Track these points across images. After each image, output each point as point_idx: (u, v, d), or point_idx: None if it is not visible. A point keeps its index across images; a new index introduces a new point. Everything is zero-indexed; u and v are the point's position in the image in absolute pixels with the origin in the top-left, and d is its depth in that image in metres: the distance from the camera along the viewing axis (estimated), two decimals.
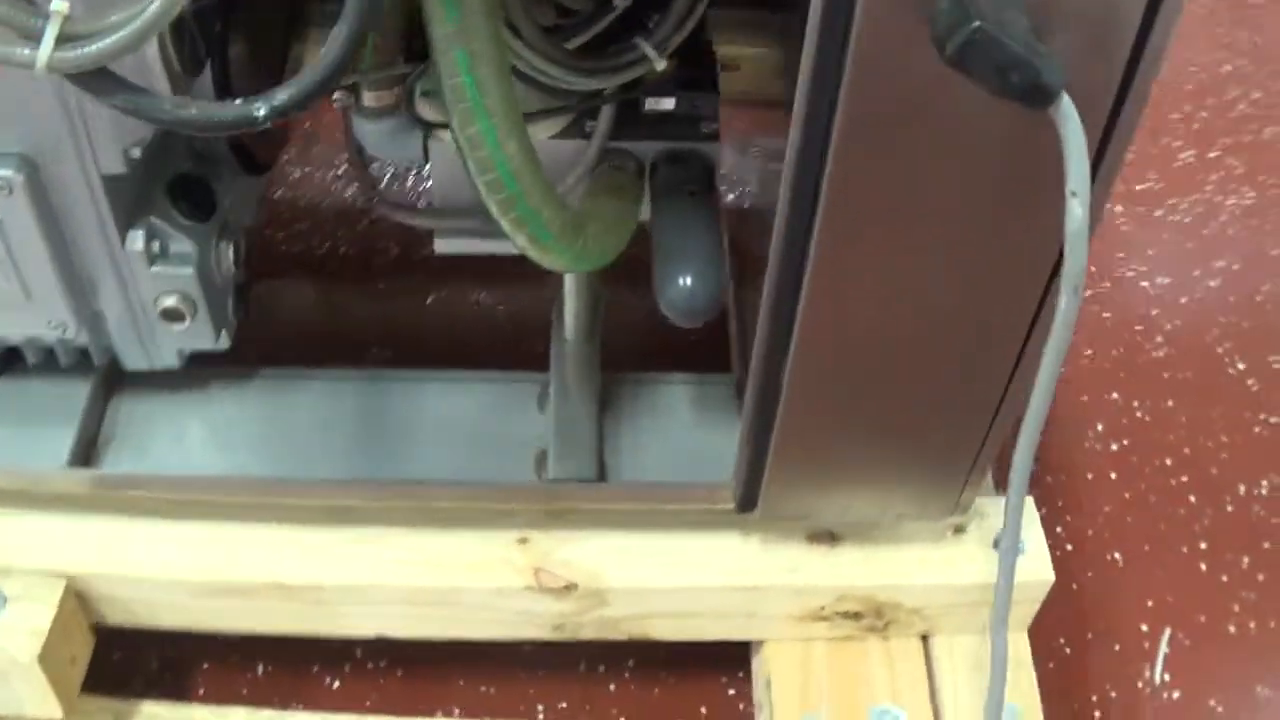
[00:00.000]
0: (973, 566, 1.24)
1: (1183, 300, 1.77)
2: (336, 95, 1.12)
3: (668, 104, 1.09)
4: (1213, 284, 1.80)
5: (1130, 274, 1.81)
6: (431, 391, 1.27)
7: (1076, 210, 0.83)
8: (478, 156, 0.91)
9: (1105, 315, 1.63)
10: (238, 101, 0.77)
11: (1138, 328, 1.72)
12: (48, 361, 1.21)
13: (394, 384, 1.28)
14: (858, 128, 0.85)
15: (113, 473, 1.20)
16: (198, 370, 1.23)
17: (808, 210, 0.91)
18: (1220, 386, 1.66)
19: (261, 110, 0.77)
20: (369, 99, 1.11)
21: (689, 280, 1.05)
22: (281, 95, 0.77)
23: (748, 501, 1.18)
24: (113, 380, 1.26)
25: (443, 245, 1.18)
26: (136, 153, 1.02)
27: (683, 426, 1.26)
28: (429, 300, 1.68)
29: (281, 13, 1.23)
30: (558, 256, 1.01)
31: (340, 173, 1.77)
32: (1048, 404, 0.94)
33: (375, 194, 1.23)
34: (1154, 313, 1.73)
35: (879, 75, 0.82)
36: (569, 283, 1.27)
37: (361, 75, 1.08)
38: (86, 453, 1.21)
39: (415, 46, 1.07)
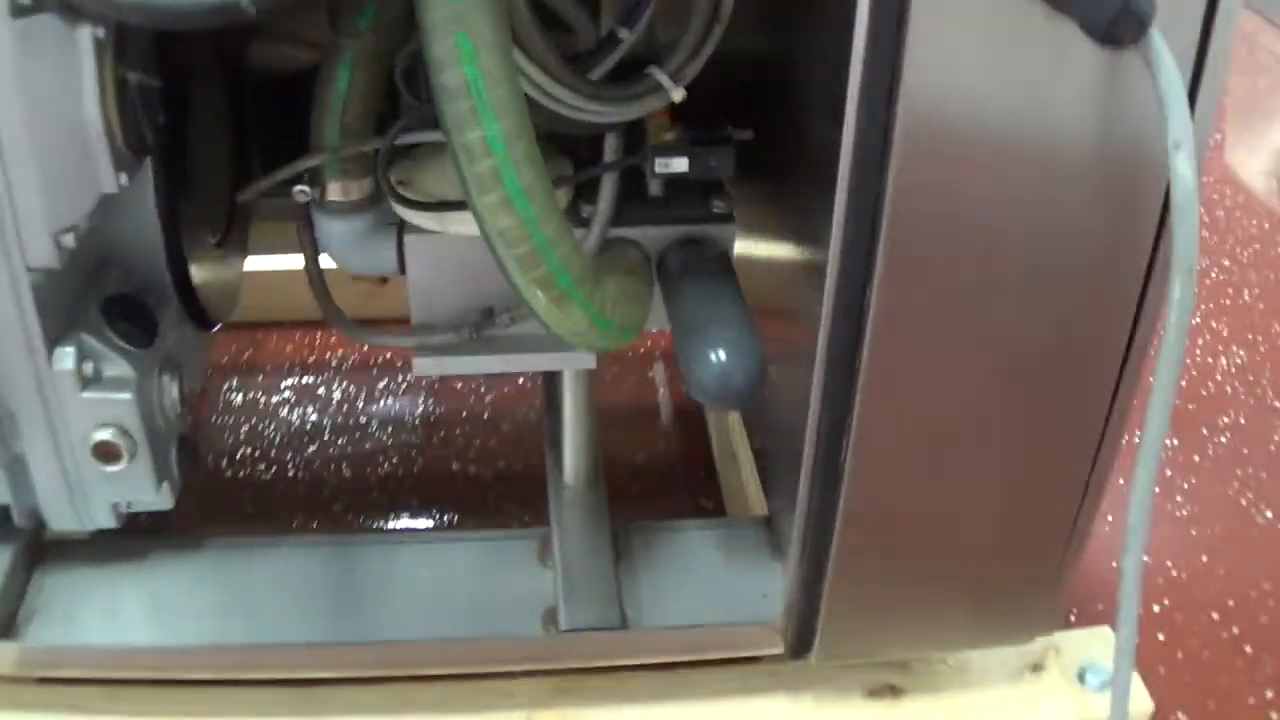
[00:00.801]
0: (1059, 705, 1.06)
1: (1196, 459, 1.72)
2: (299, 188, 0.99)
3: (679, 165, 0.96)
4: (1223, 440, 1.76)
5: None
6: (411, 554, 1.09)
7: (1184, 169, 0.71)
8: (480, 170, 0.76)
9: (1119, 481, 1.54)
10: None
11: (1155, 490, 1.60)
12: None
13: (367, 547, 1.09)
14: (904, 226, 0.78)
15: (35, 646, 0.99)
16: (136, 540, 1.04)
17: (855, 314, 0.82)
18: (1252, 537, 1.60)
19: None
20: (335, 190, 0.98)
21: (722, 355, 0.90)
22: None
23: (802, 644, 1.01)
24: (37, 548, 1.07)
25: (423, 366, 1.02)
26: (69, 241, 0.86)
27: (709, 571, 1.08)
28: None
29: (229, 134, 1.11)
30: (576, 311, 0.86)
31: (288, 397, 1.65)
32: (1162, 436, 0.80)
33: (339, 318, 1.07)
34: (1168, 474, 1.68)
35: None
36: (570, 417, 1.12)
37: (330, 153, 0.95)
38: (4, 625, 1.00)
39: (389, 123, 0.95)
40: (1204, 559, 1.55)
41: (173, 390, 0.98)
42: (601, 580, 1.05)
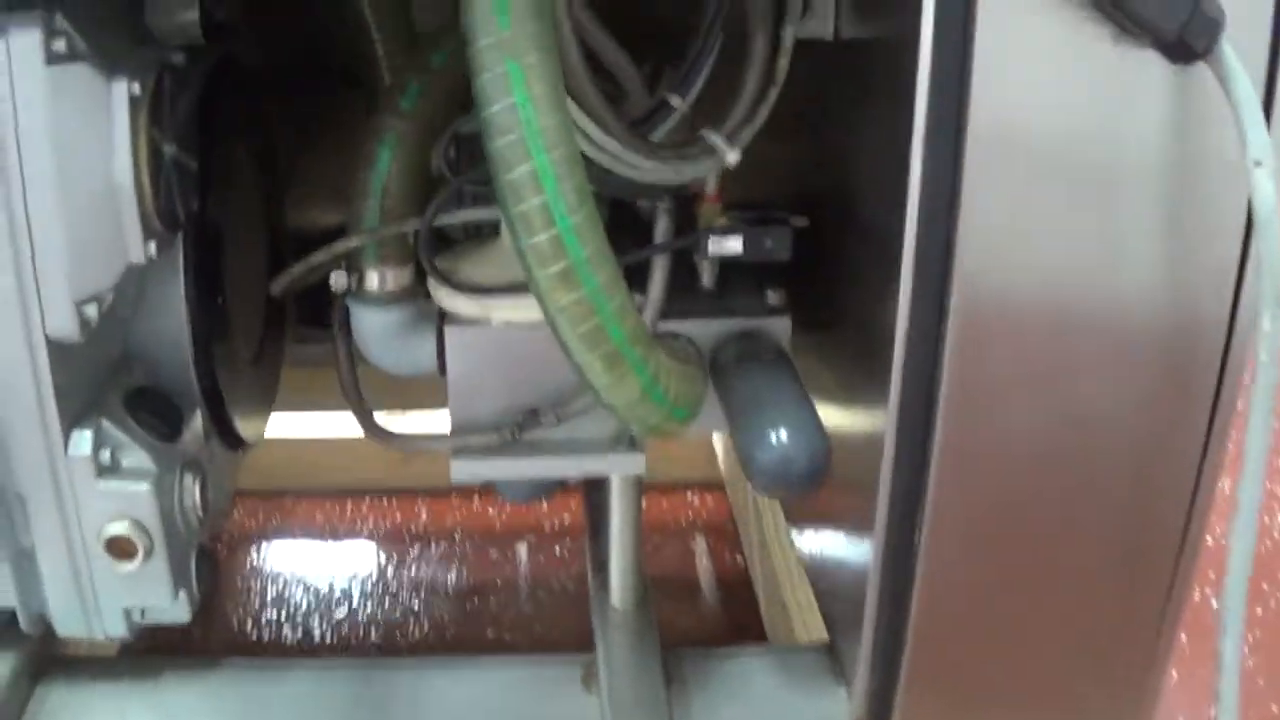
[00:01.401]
0: None
1: (1258, 611, 1.65)
2: (335, 274, 0.95)
3: (734, 246, 0.92)
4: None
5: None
6: (445, 678, 1.00)
7: (1266, 187, 0.66)
8: (527, 209, 0.71)
9: None
10: None
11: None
12: None
13: (398, 672, 1.01)
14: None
15: None
16: (148, 657, 0.97)
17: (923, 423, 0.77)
18: None
19: None
20: (373, 279, 0.94)
21: (783, 436, 0.84)
22: None
23: None
24: (43, 659, 0.99)
25: (460, 470, 0.96)
26: (93, 312, 0.82)
27: (767, 698, 1.00)
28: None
29: (264, 233, 1.08)
30: (629, 377, 0.79)
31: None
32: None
33: (373, 425, 1.01)
34: None
35: None
36: (617, 531, 1.05)
37: (369, 234, 0.91)
38: None
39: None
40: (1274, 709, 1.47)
41: (195, 491, 0.92)
42: (652, 707, 0.97)
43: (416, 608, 1.51)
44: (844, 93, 0.91)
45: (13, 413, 0.83)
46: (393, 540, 1.62)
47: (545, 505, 1.64)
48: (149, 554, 0.88)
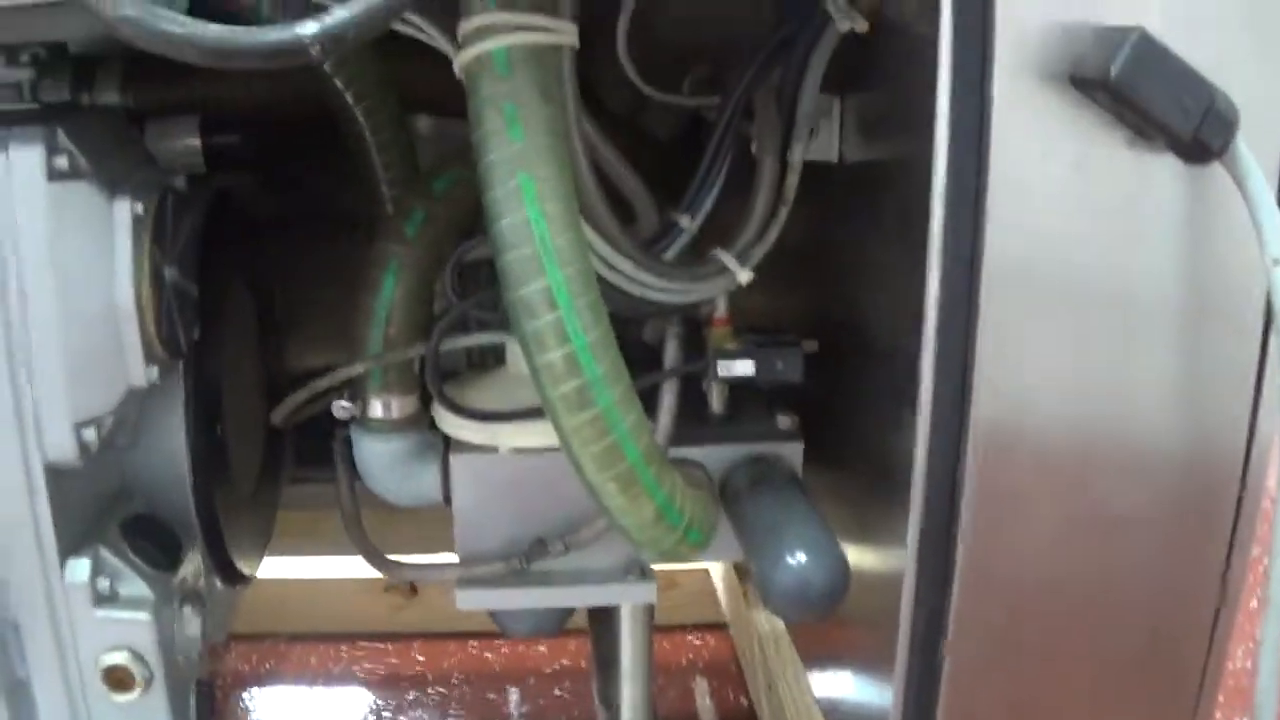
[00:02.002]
0: None
1: None
2: (340, 403, 0.94)
3: (744, 368, 0.91)
4: None
5: None
6: None
7: None
8: (541, 326, 0.70)
9: None
10: (277, 25, 0.57)
11: None
12: None
13: None
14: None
15: None
16: None
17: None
18: None
19: (310, 32, 0.56)
20: (377, 407, 0.93)
21: (801, 558, 0.83)
22: (340, 14, 0.56)
23: None
24: None
25: (466, 599, 0.94)
26: (92, 436, 0.81)
27: None
28: None
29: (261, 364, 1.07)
30: (643, 499, 0.77)
31: None
32: None
33: (374, 554, 0.99)
34: None
35: None
36: (628, 664, 1.03)
37: (375, 359, 0.90)
38: None
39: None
40: None
41: (195, 624, 0.89)
42: None
43: None
44: (852, 214, 0.91)
45: (9, 538, 0.81)
46: (388, 686, 1.58)
47: (545, 648, 1.61)
48: (147, 685, 0.85)
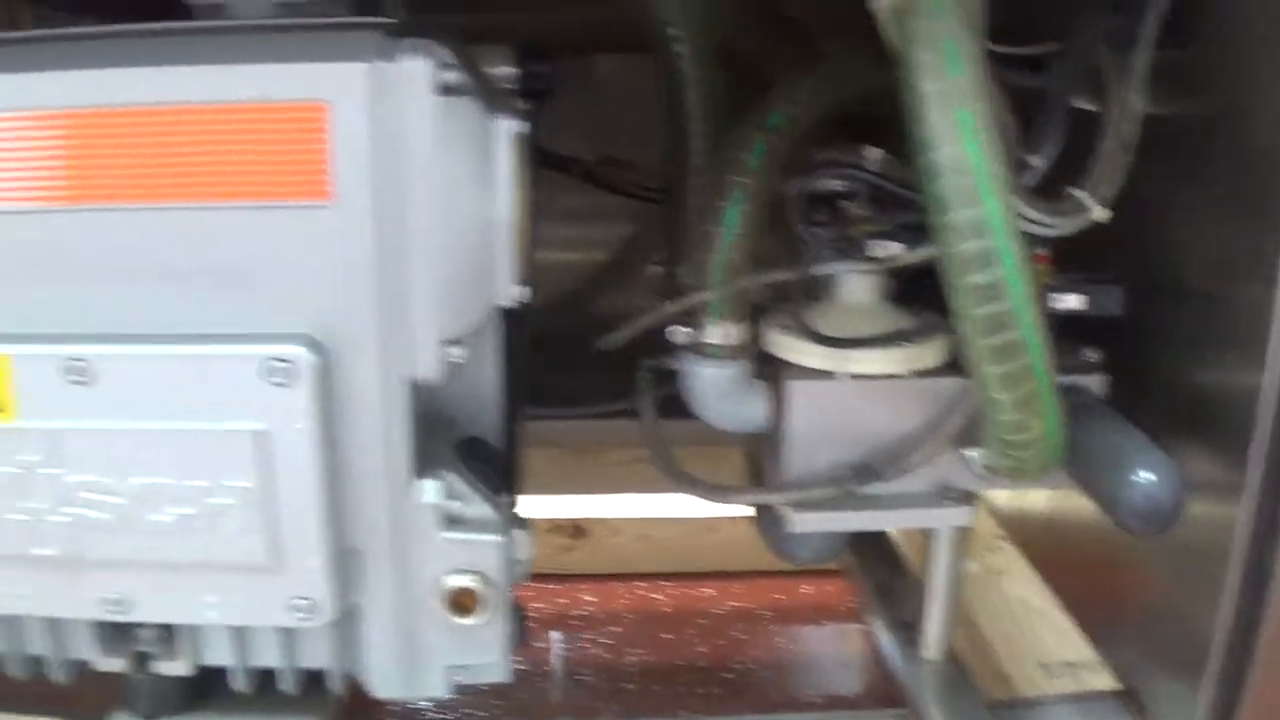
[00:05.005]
0: None
1: None
2: (680, 329, 0.94)
3: (1073, 301, 0.92)
4: None
5: None
6: None
7: None
8: (973, 250, 0.74)
9: None
10: None
11: None
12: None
13: None
14: None
15: None
16: None
17: None
18: None
19: None
20: (716, 334, 0.95)
21: (1148, 475, 0.86)
22: None
23: None
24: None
25: (804, 522, 0.95)
26: (458, 354, 0.80)
27: None
28: None
29: None
30: (1036, 419, 0.82)
31: None
32: None
33: (696, 482, 0.99)
34: None
35: None
36: (939, 589, 1.08)
37: (726, 287, 0.90)
38: None
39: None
40: None
41: (525, 546, 0.88)
42: None
43: None
44: (1155, 164, 0.92)
45: (359, 459, 0.80)
46: (561, 626, 1.58)
47: (712, 589, 1.62)
48: (489, 608, 0.85)
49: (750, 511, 1.09)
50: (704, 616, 1.58)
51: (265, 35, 0.78)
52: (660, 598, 1.62)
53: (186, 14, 0.82)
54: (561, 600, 1.62)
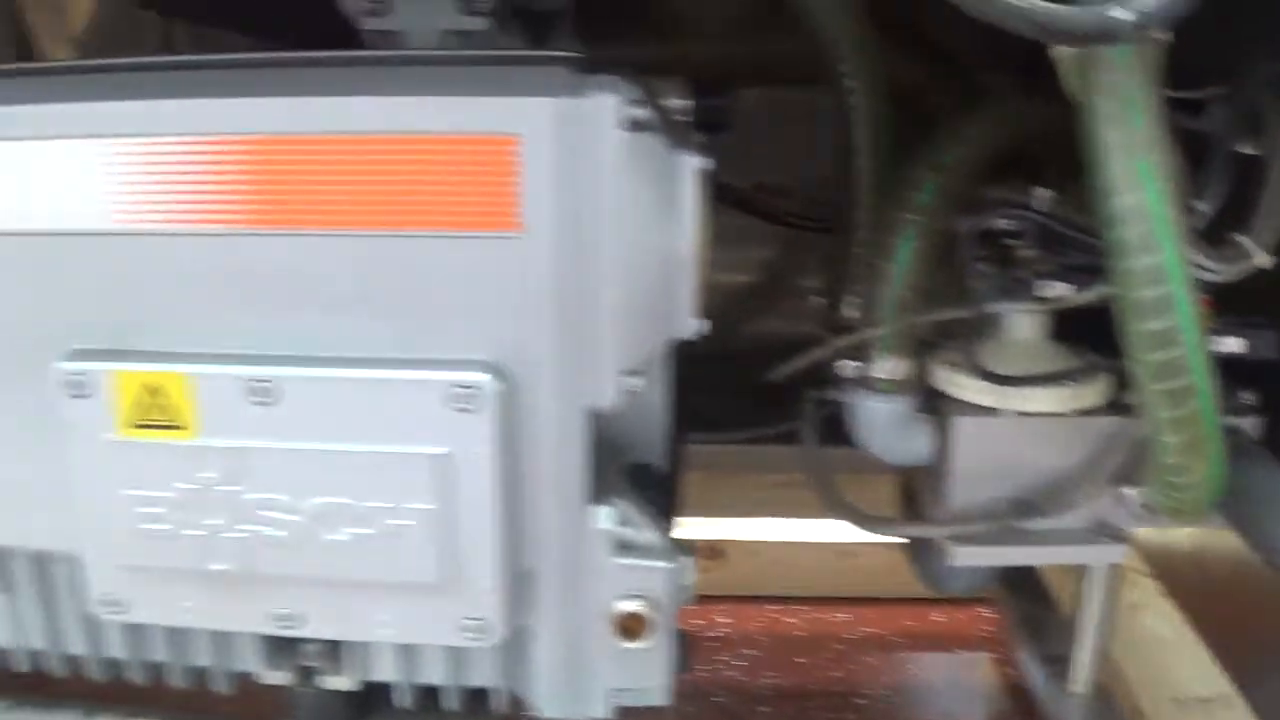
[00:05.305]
0: None
1: None
2: (850, 363, 0.95)
3: (1233, 345, 0.92)
4: None
5: None
6: None
7: None
8: (1149, 297, 0.74)
9: None
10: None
11: None
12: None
13: None
14: None
15: None
16: None
17: None
18: None
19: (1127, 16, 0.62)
20: (884, 368, 0.96)
21: None
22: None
23: None
24: None
25: (963, 556, 0.97)
26: (636, 383, 0.81)
27: None
28: None
29: None
30: (1199, 463, 0.82)
31: None
32: None
33: (857, 513, 1.00)
34: None
35: None
36: (1091, 623, 1.10)
37: (898, 322, 0.91)
38: None
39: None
40: None
41: (690, 572, 0.90)
42: None
43: None
44: None
45: (536, 484, 0.82)
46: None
47: (847, 614, 1.62)
48: (656, 633, 0.86)
49: (894, 540, 1.10)
50: (838, 641, 1.59)
51: (451, 68, 0.79)
52: (794, 621, 1.62)
53: (356, 38, 0.84)
54: (697, 621, 1.62)
